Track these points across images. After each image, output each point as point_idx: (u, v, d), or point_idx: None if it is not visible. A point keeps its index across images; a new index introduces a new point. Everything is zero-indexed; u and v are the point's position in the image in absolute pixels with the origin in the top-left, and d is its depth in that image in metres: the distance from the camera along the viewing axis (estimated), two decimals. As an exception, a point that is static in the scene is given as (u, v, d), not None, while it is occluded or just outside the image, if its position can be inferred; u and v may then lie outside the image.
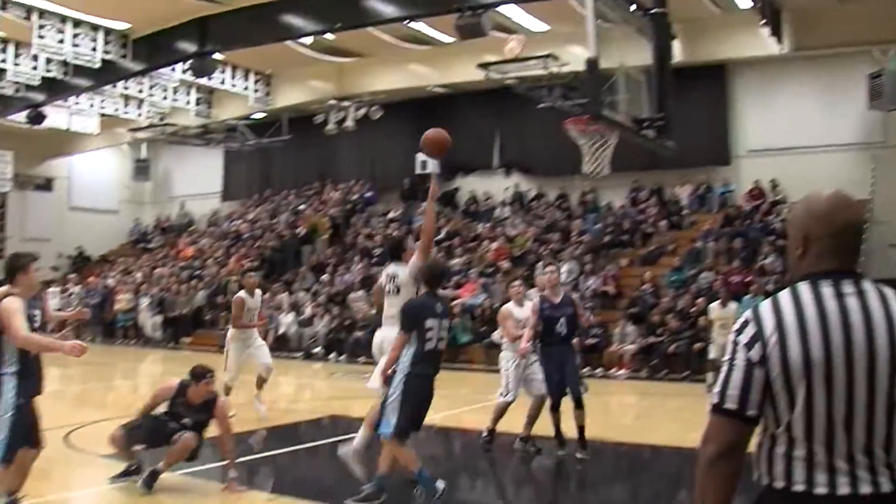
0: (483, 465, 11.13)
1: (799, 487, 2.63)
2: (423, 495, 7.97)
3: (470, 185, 30.88)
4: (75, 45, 21.85)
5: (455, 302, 22.12)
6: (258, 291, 14.13)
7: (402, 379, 7.92)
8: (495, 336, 19.29)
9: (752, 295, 18.81)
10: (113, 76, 24.82)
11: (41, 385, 7.23)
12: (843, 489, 2.59)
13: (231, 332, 13.61)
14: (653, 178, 26.65)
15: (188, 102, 29.99)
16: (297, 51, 25.59)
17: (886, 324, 2.61)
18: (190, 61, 22.92)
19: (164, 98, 28.95)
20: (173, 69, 26.10)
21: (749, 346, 2.67)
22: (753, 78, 25.55)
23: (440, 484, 7.86)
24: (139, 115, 30.65)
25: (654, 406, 17.43)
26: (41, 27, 21.17)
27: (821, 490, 2.60)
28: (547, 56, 22.68)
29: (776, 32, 22.11)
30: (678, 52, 20.89)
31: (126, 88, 27.81)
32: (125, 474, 8.62)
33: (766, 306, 2.72)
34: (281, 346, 24.23)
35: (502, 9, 20.61)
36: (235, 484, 8.43)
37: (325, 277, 28.29)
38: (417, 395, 7.94)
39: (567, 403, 10.46)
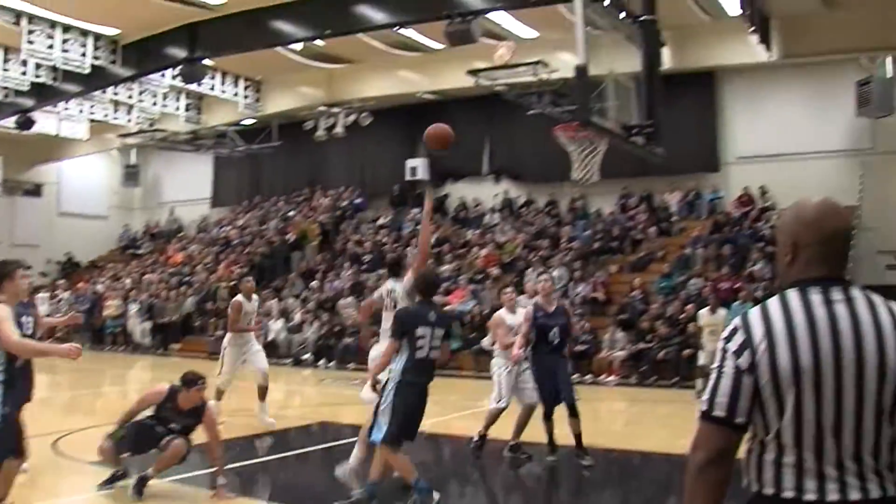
0: (473, 472, 11.12)
1: (788, 494, 2.63)
2: None
3: (459, 192, 30.90)
4: (65, 51, 21.79)
5: (444, 308, 22.13)
6: (255, 296, 14.14)
7: (393, 386, 7.92)
8: (485, 342, 19.32)
9: (742, 301, 18.88)
10: (102, 82, 24.79)
11: (31, 392, 7.19)
12: (833, 496, 2.59)
13: (228, 336, 13.54)
14: (642, 184, 26.69)
15: (178, 108, 29.94)
16: (287, 57, 25.60)
17: (875, 331, 2.61)
18: (180, 67, 22.89)
19: (154, 104, 28.89)
20: (163, 75, 26.07)
21: (738, 353, 2.67)
22: (742, 85, 25.63)
23: (436, 495, 7.86)
24: (129, 120, 30.61)
25: (643, 412, 17.45)
26: (31, 32, 21.11)
27: (810, 496, 2.61)
28: (536, 63, 22.75)
29: (765, 40, 22.16)
30: (667, 59, 20.92)
31: (115, 94, 27.74)
32: (112, 480, 8.58)
33: (755, 314, 2.72)
34: (270, 352, 24.01)
35: (492, 15, 20.65)
36: (224, 491, 8.40)
37: (314, 284, 28.27)
38: (408, 404, 7.92)
39: (560, 411, 10.46)
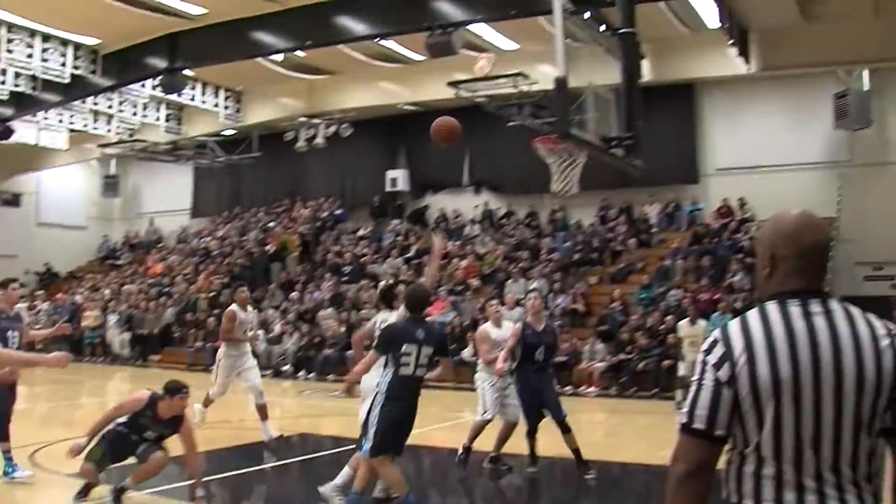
0: (453, 483, 11.12)
1: (768, 506, 2.65)
2: None
3: (439, 203, 30.92)
4: (44, 60, 21.72)
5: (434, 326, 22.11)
6: (250, 307, 13.90)
7: (379, 401, 7.94)
8: (465, 354, 19.34)
9: (721, 313, 18.93)
10: (82, 91, 24.73)
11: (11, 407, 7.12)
12: (811, 507, 2.61)
13: (222, 347, 13.25)
14: (622, 196, 26.77)
15: (158, 118, 29.84)
16: (268, 68, 25.57)
17: (853, 343, 2.62)
18: (160, 77, 22.88)
19: (134, 114, 28.77)
20: (143, 85, 26.05)
21: (717, 366, 2.67)
22: (721, 97, 25.76)
23: None
24: (108, 130, 30.47)
25: (623, 423, 17.49)
26: (10, 41, 21.02)
27: (789, 508, 2.62)
28: (516, 75, 22.80)
29: (744, 52, 22.30)
30: (647, 72, 21.08)
31: (95, 104, 27.66)
32: (86, 491, 8.50)
33: (734, 326, 2.73)
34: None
35: (472, 27, 20.70)
36: (203, 503, 8.36)
37: (294, 295, 28.22)
38: (393, 419, 7.92)
39: (545, 426, 10.48)
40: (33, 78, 23.58)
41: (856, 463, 2.62)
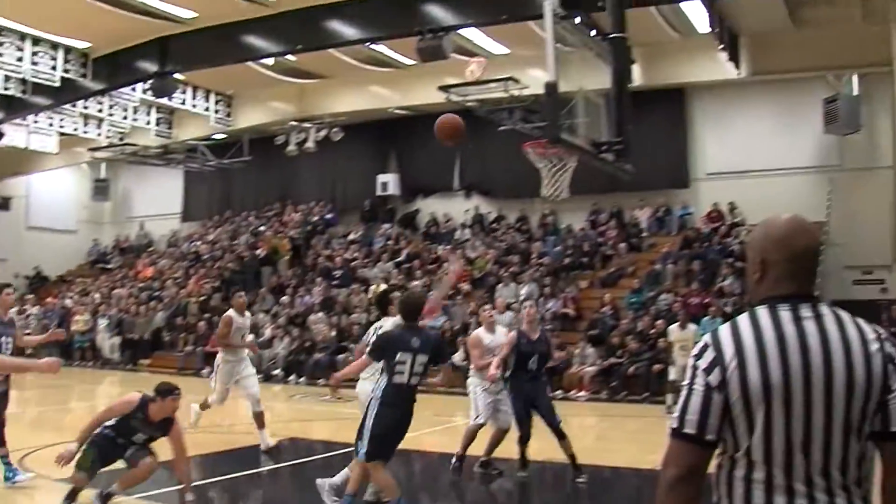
0: (444, 487, 11.12)
1: (758, 510, 2.66)
2: None
3: (430, 207, 30.92)
4: (34, 64, 21.67)
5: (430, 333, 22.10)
6: (248, 312, 13.75)
7: (374, 407, 7.96)
8: (456, 358, 19.31)
9: (711, 317, 19.00)
10: (72, 95, 24.68)
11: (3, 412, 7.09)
12: (801, 511, 2.62)
13: (220, 353, 13.05)
14: (612, 200, 26.80)
15: (148, 122, 29.81)
16: (259, 72, 25.56)
17: (843, 347, 2.63)
18: (150, 81, 22.83)
19: (125, 118, 28.74)
20: (133, 89, 25.97)
21: (708, 370, 2.68)
22: (711, 102, 25.80)
23: None
24: (99, 134, 30.42)
25: (613, 428, 17.50)
26: (0, 45, 21.01)
27: (779, 512, 2.63)
28: (507, 79, 22.79)
29: (734, 57, 22.39)
30: (637, 76, 21.18)
31: (86, 107, 27.59)
32: (73, 495, 8.46)
33: (725, 331, 2.74)
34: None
35: (463, 32, 20.71)
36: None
37: (284, 299, 28.18)
38: (386, 425, 7.94)
39: (537, 433, 10.49)
40: (23, 81, 23.50)
41: (846, 467, 2.63)
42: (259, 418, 12.54)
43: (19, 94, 24.28)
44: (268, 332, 26.07)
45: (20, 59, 21.44)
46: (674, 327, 17.85)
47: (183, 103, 27.69)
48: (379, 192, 31.06)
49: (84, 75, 22.86)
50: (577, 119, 10.02)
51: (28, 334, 13.15)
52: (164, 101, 26.77)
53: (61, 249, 37.56)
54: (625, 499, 10.79)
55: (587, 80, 10.46)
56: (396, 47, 23.03)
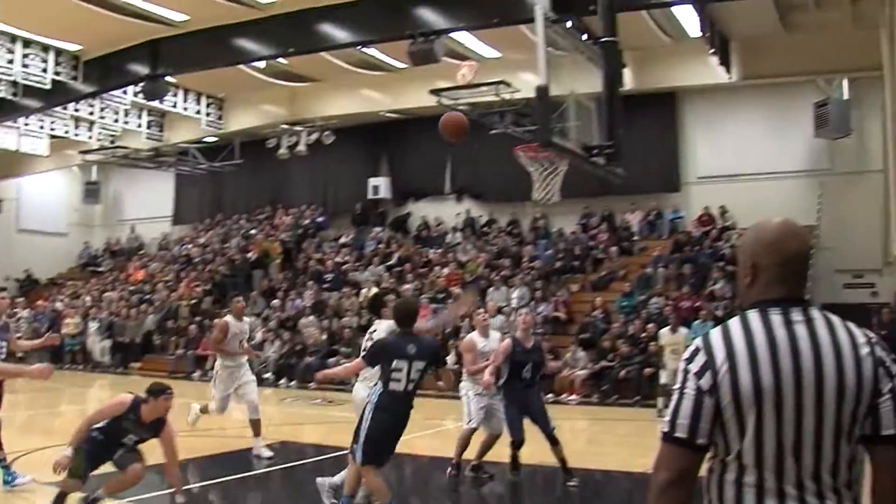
0: (435, 491, 11.11)
1: (749, 513, 2.67)
2: None
3: (421, 211, 30.92)
4: (25, 66, 21.62)
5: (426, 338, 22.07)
6: (247, 318, 13.46)
7: (369, 411, 7.98)
8: (447, 362, 19.27)
9: (702, 320, 19.03)
10: (63, 97, 24.61)
11: None
12: (792, 515, 2.63)
13: (218, 360, 12.87)
14: (603, 204, 26.83)
15: (139, 125, 29.76)
16: (250, 75, 25.54)
17: (834, 351, 2.64)
18: (142, 84, 22.79)
19: (116, 120, 28.69)
20: (125, 91, 25.92)
21: (699, 374, 2.69)
22: (702, 106, 25.86)
23: None
24: (90, 137, 30.33)
25: (604, 431, 17.52)
26: (-9, 47, 21.00)
27: (770, 516, 2.64)
28: (499, 83, 22.80)
29: (725, 61, 22.44)
30: (629, 80, 21.19)
31: (77, 110, 27.54)
32: (61, 498, 8.42)
33: (716, 335, 2.74)
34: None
35: (455, 35, 20.74)
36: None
37: (275, 302, 28.15)
38: (381, 430, 7.96)
39: (532, 436, 10.49)
40: (14, 84, 23.42)
41: (836, 470, 2.64)
42: (256, 426, 12.45)
43: (10, 97, 24.18)
44: (259, 336, 26.02)
45: (11, 62, 21.40)
46: (665, 331, 17.87)
47: (174, 106, 27.65)
48: (370, 196, 31.06)
49: (75, 78, 22.81)
50: (569, 123, 10.04)
51: (19, 338, 13.07)
52: (156, 103, 26.71)
53: (52, 252, 37.49)
54: (616, 502, 10.80)
55: (578, 83, 10.49)
56: (388, 51, 23.03)
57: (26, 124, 28.78)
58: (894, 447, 2.66)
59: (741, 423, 2.64)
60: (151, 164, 32.86)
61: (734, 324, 2.75)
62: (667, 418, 2.74)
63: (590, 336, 21.89)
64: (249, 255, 31.60)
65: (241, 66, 23.96)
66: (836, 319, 2.74)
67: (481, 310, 12.20)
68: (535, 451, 10.71)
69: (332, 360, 22.84)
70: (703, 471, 2.76)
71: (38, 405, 18.90)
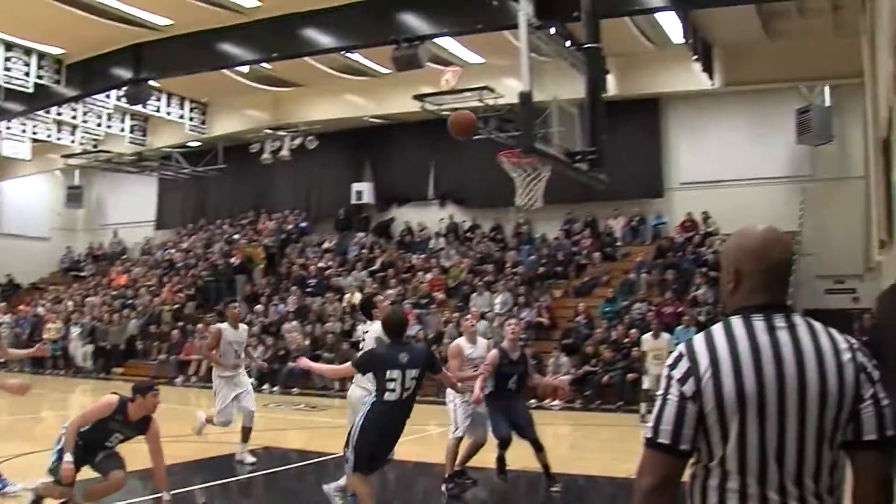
0: (418, 496, 11.10)
1: (732, 519, 2.68)
2: None
3: (405, 216, 30.90)
4: (7, 69, 21.47)
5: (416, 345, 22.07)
6: (243, 326, 13.32)
7: (361, 419, 8.02)
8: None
9: (685, 326, 19.13)
10: (46, 101, 24.49)
11: None
12: (774, 520, 2.64)
13: (214, 370, 12.70)
14: (587, 209, 26.89)
15: (122, 129, 29.60)
16: (234, 79, 25.50)
17: (816, 357, 2.66)
18: (125, 88, 22.73)
19: (99, 124, 28.52)
20: (108, 95, 25.86)
21: (682, 381, 2.70)
22: (685, 112, 25.95)
23: None
24: (72, 141, 30.22)
25: (587, 436, 17.53)
26: (-28, 51, 20.89)
27: (753, 521, 2.65)
28: (482, 88, 22.85)
29: (707, 68, 22.51)
30: (612, 86, 21.29)
31: (59, 114, 27.47)
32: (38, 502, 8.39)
33: (699, 341, 2.76)
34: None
35: (438, 41, 20.76)
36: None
37: (258, 308, 28.07)
38: (371, 441, 8.00)
39: (516, 441, 10.50)
40: (-4, 87, 23.35)
41: (818, 476, 2.65)
42: (246, 433, 12.41)
43: (-8, 101, 24.12)
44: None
45: (-7, 65, 21.31)
46: (647, 336, 17.91)
47: (157, 110, 27.55)
48: (353, 201, 31.03)
49: (58, 81, 22.68)
50: (552, 128, 10.03)
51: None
52: (139, 108, 26.66)
53: (34, 257, 37.31)
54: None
55: (562, 89, 10.49)
56: (372, 56, 23.04)
57: (8, 128, 28.62)
58: (876, 452, 2.68)
59: (724, 429, 2.65)
60: (134, 168, 32.77)
61: (717, 330, 2.76)
62: (650, 424, 2.76)
63: (573, 341, 21.91)
64: (232, 260, 31.51)
65: (225, 71, 23.95)
66: (818, 325, 2.75)
67: (469, 316, 12.17)
68: (519, 456, 10.72)
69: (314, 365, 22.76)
70: (686, 476, 2.78)
71: (19, 411, 18.80)
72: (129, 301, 31.14)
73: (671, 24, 20.81)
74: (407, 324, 8.50)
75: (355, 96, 27.78)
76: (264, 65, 23.86)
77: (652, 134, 26.33)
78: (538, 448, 10.37)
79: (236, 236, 33.30)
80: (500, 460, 10.68)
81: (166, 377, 25.33)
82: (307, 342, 24.76)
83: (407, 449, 13.07)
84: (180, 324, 28.10)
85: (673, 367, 2.75)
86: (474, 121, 9.64)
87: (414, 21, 17.91)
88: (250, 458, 12.31)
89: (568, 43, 11.12)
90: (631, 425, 16.23)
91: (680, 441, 2.69)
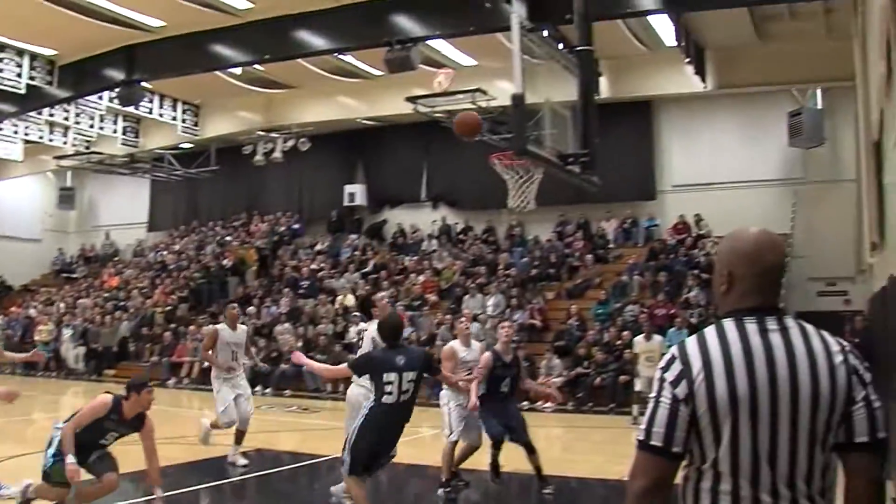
0: (409, 499, 11.10)
1: (724, 521, 2.68)
2: None
3: (397, 218, 30.89)
4: (-1, 70, 21.51)
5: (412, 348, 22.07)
6: (243, 326, 13.27)
7: (359, 423, 8.05)
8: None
9: (677, 328, 19.13)
10: (38, 102, 24.43)
11: None
12: (767, 522, 2.64)
13: (213, 371, 12.72)
14: (579, 211, 26.91)
15: (115, 131, 29.56)
16: (226, 81, 25.49)
17: (808, 360, 2.67)
18: (117, 89, 22.69)
19: (91, 126, 28.47)
20: (100, 97, 25.81)
21: (675, 383, 2.71)
22: (678, 114, 25.97)
23: None
24: (65, 142, 30.15)
25: (579, 438, 17.54)
26: (-35, 52, 20.85)
27: (745, 523, 2.66)
28: (475, 90, 22.85)
29: (700, 70, 22.54)
30: (605, 89, 21.31)
31: (52, 115, 27.38)
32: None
33: (692, 343, 2.76)
34: (207, 379, 23.74)
35: (431, 43, 20.76)
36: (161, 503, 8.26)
37: (251, 310, 28.01)
38: (367, 446, 8.03)
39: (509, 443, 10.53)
40: (-12, 88, 23.30)
41: (811, 478, 2.66)
42: (240, 436, 12.42)
43: (-17, 102, 24.07)
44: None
45: (-15, 66, 21.27)
46: (639, 338, 17.95)
47: (150, 112, 27.50)
48: (346, 203, 31.01)
49: (50, 83, 22.62)
50: (544, 131, 10.05)
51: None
52: (131, 109, 26.63)
53: (25, 258, 37.22)
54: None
55: (554, 92, 10.51)
56: (364, 58, 23.03)
57: (0, 129, 28.57)
58: (868, 454, 2.69)
59: (717, 432, 2.66)
60: (127, 170, 32.70)
61: (710, 332, 2.77)
62: (642, 426, 2.76)
63: (565, 344, 21.92)
64: (225, 262, 31.48)
65: (218, 73, 23.94)
66: (810, 328, 2.76)
67: (463, 319, 12.17)
68: (511, 458, 10.72)
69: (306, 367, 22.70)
70: (679, 478, 2.78)
71: (10, 413, 18.70)
72: (121, 303, 31.08)
73: (664, 27, 20.84)
74: (402, 327, 8.52)
75: (348, 98, 27.77)
76: (257, 66, 23.85)
77: (644, 136, 26.34)
78: (530, 450, 10.37)
79: (229, 238, 33.27)
80: (495, 465, 10.67)
81: (158, 379, 25.25)
82: (299, 344, 24.71)
83: (400, 451, 13.07)
84: (172, 326, 28.07)
85: (665, 369, 2.75)
86: (479, 121, 9.65)
87: (406, 23, 17.90)
88: (242, 461, 12.29)
89: (560, 45, 11.16)
90: (623, 427, 16.23)
91: (672, 443, 2.70)
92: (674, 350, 2.79)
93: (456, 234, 29.48)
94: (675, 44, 20.86)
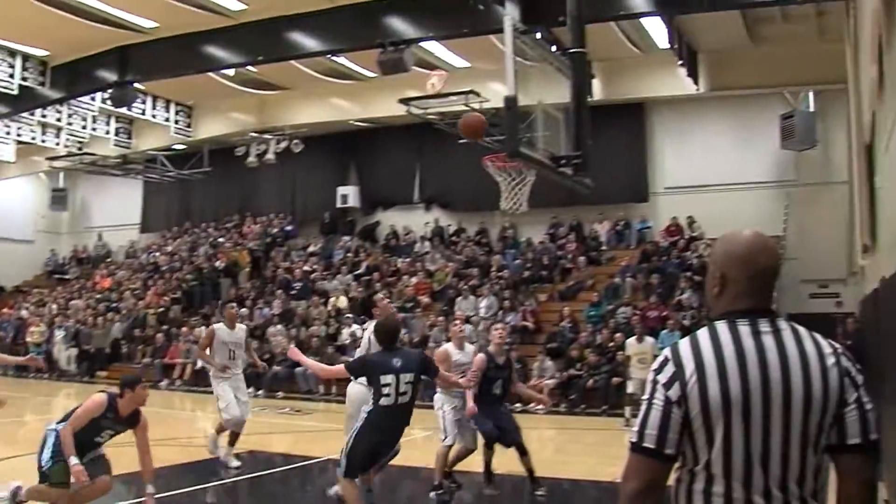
0: (402, 500, 11.09)
1: (717, 523, 2.69)
2: None
3: (390, 220, 30.88)
4: (-9, 71, 21.47)
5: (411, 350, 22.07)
6: (241, 326, 13.22)
7: (358, 425, 8.09)
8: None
9: (670, 330, 19.16)
10: (31, 103, 24.38)
11: None
12: (759, 524, 2.65)
13: (211, 371, 12.70)
14: (572, 213, 26.92)
15: (107, 132, 29.50)
16: (219, 82, 25.47)
17: (801, 362, 2.67)
18: (110, 90, 22.64)
19: (83, 127, 28.41)
20: (93, 98, 25.79)
21: (668, 385, 2.71)
22: (670, 116, 26.01)
23: None
24: (57, 143, 30.07)
25: (572, 440, 17.55)
26: (-44, 52, 20.81)
27: (738, 525, 2.66)
28: (468, 92, 22.83)
29: (692, 73, 22.58)
30: (598, 91, 21.32)
31: (44, 116, 27.30)
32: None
33: (684, 345, 2.76)
34: (199, 380, 23.89)
35: (424, 45, 20.77)
36: (152, 501, 8.24)
37: (244, 311, 27.92)
38: (363, 449, 8.07)
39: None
40: (-19, 89, 23.25)
41: (803, 480, 2.67)
42: (233, 438, 12.39)
43: (-24, 103, 24.01)
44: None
45: (-23, 67, 21.23)
46: (631, 340, 17.98)
47: (143, 113, 27.46)
48: (339, 205, 30.99)
49: (42, 83, 22.57)
50: (537, 133, 10.06)
51: None
52: (124, 110, 26.59)
53: (18, 259, 37.14)
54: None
55: (547, 94, 10.52)
56: (357, 59, 23.02)
57: (-8, 130, 28.54)
58: (860, 456, 2.69)
59: (709, 434, 2.67)
60: (119, 171, 32.66)
61: (702, 334, 2.77)
62: (635, 428, 2.76)
63: (558, 345, 21.94)
64: (217, 263, 31.44)
65: (211, 74, 23.91)
66: (802, 330, 2.77)
67: (457, 321, 12.17)
68: (504, 460, 10.73)
69: (299, 369, 22.72)
70: (672, 480, 2.78)
71: (2, 415, 18.69)
72: (114, 304, 31.04)
73: (656, 30, 20.86)
74: (399, 330, 8.53)
75: (341, 100, 27.76)
76: (250, 68, 23.83)
77: (637, 138, 26.37)
78: (523, 452, 10.37)
79: (221, 239, 33.21)
80: (488, 469, 10.67)
81: (151, 381, 25.18)
82: (292, 346, 24.63)
83: (392, 453, 13.10)
84: (165, 327, 28.03)
85: (658, 371, 2.76)
86: (484, 122, 9.67)
87: (400, 25, 17.90)
88: (235, 462, 12.27)
89: (553, 47, 11.18)
90: (615, 429, 16.27)
91: (665, 445, 2.70)
92: (666, 352, 2.80)
93: (449, 235, 29.48)
94: (668, 46, 20.89)
